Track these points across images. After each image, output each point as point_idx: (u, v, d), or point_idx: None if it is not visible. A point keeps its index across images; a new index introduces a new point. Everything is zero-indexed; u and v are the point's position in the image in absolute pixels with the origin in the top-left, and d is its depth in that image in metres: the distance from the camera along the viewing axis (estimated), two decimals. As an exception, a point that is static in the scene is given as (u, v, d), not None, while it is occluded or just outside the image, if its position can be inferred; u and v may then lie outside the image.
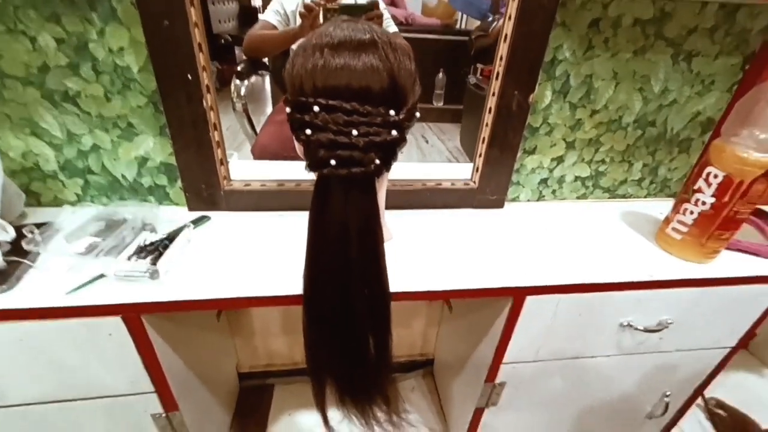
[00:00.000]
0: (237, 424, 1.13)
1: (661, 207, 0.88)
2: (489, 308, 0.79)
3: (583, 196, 0.99)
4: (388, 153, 0.47)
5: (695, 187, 0.71)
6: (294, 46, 0.76)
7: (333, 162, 0.45)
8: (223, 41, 0.83)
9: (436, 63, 0.97)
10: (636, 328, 0.76)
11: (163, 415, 0.72)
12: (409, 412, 1.18)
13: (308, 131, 0.45)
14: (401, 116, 0.46)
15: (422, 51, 0.98)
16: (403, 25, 0.92)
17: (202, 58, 0.66)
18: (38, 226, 0.68)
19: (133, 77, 0.69)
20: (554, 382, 0.85)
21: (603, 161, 0.93)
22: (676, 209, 0.75)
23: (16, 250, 0.62)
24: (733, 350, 0.87)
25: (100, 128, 0.73)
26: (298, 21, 0.75)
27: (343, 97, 0.43)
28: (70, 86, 0.68)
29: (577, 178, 0.95)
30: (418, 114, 0.51)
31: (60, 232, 0.70)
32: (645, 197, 1.02)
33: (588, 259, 0.73)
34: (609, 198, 1.01)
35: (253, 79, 0.94)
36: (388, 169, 0.49)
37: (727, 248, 0.75)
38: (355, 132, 0.44)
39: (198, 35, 0.63)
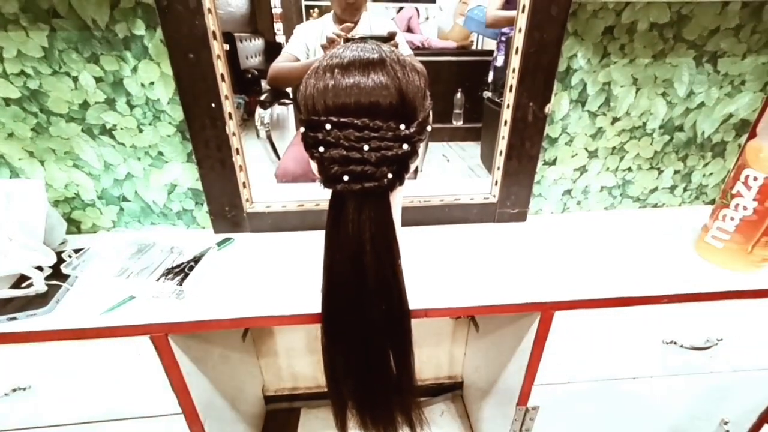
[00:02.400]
0: (263, 449, 1.12)
1: (699, 215, 0.83)
2: (516, 326, 0.75)
3: (612, 206, 0.95)
4: (400, 167, 0.47)
5: (734, 192, 0.66)
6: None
7: (346, 177, 0.46)
8: (249, 75, 0.88)
9: (454, 83, 0.98)
10: (681, 346, 0.70)
11: (189, 437, 0.72)
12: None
13: (321, 148, 0.46)
14: (412, 130, 0.46)
15: (440, 73, 1.01)
16: (419, 49, 0.95)
17: (225, 88, 0.69)
18: (76, 251, 0.72)
19: (162, 108, 0.74)
20: (593, 406, 0.79)
21: (629, 169, 0.90)
22: (714, 216, 0.71)
23: (56, 274, 0.66)
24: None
25: (134, 158, 0.78)
26: (320, 52, 0.78)
27: (354, 114, 0.44)
28: (107, 120, 0.74)
29: (603, 187, 0.92)
30: (429, 128, 0.51)
31: (96, 257, 0.74)
32: (679, 205, 0.97)
33: (621, 272, 0.69)
34: (640, 207, 0.96)
35: (277, 108, 0.99)
36: (401, 182, 0.49)
37: (777, 256, 0.69)
38: (366, 147, 0.44)
39: (221, 66, 0.68)
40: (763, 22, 0.75)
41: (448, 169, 1.02)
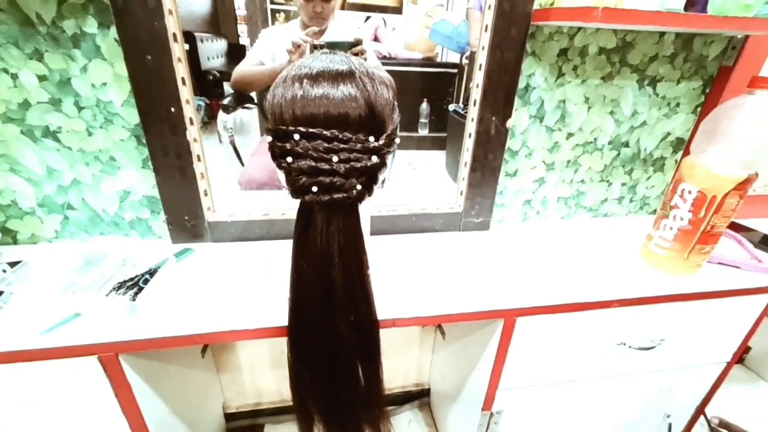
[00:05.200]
0: (222, 470, 1.06)
1: (643, 224, 0.90)
2: (481, 332, 0.77)
3: (567, 216, 1.01)
4: (369, 178, 0.47)
5: (672, 204, 0.73)
6: (276, 79, 0.78)
7: (315, 188, 0.45)
8: (211, 77, 0.85)
9: (420, 94, 1.00)
10: (630, 347, 0.76)
11: (141, 464, 0.67)
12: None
13: (289, 159, 0.45)
14: (381, 142, 0.47)
15: (406, 83, 1.03)
16: (386, 59, 0.96)
17: (185, 92, 0.67)
18: (12, 264, 0.65)
19: (115, 111, 0.69)
20: (554, 408, 0.83)
21: (583, 181, 0.96)
22: (656, 225, 0.77)
23: (-13, 290, 0.59)
24: (729, 365, 0.87)
25: (81, 163, 0.72)
26: (285, 57, 0.77)
27: (323, 125, 0.44)
28: (52, 122, 0.68)
29: (559, 198, 0.98)
30: (397, 140, 0.52)
31: (36, 271, 0.67)
32: (626, 215, 1.04)
33: (576, 278, 0.73)
34: (593, 217, 1.03)
35: (240, 112, 0.96)
36: (370, 194, 0.49)
37: (709, 262, 0.76)
38: (335, 158, 0.44)
39: (182, 70, 0.65)
40: (693, 51, 0.84)
41: (414, 177, 1.03)
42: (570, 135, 0.89)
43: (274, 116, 0.46)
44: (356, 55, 0.71)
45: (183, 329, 0.57)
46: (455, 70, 0.97)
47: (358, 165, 0.45)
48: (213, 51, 0.84)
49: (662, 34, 0.81)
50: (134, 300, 0.61)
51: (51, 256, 0.73)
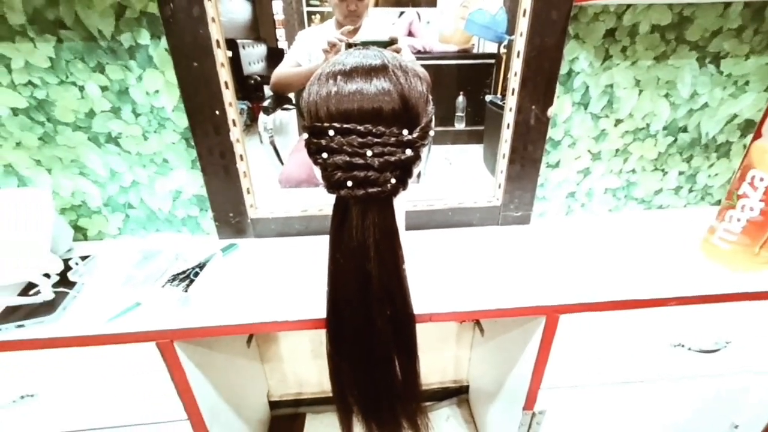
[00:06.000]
0: (268, 455, 1.11)
1: (704, 216, 0.82)
2: (522, 330, 0.75)
3: (616, 209, 0.95)
4: (404, 172, 0.47)
5: (740, 193, 0.66)
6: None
7: (350, 183, 0.46)
8: (252, 81, 0.88)
9: (456, 86, 0.99)
10: (689, 349, 0.70)
11: (195, 444, 0.72)
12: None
13: (324, 154, 0.46)
14: (415, 135, 0.46)
15: (441, 76, 1.01)
16: (421, 53, 0.95)
17: (228, 95, 0.70)
18: (83, 258, 0.72)
19: (167, 116, 0.74)
20: (600, 409, 0.79)
21: (633, 171, 0.90)
22: (720, 217, 0.70)
23: (63, 281, 0.66)
24: (807, 373, 0.78)
25: (139, 165, 0.79)
26: (322, 57, 0.79)
27: (357, 120, 0.44)
28: (113, 128, 0.74)
29: (607, 189, 0.92)
30: (432, 133, 0.51)
31: (102, 264, 0.74)
32: (685, 206, 0.96)
33: (626, 274, 0.69)
34: (645, 209, 0.95)
35: (280, 114, 1.00)
36: (404, 187, 0.49)
37: (785, 257, 0.68)
38: (369, 153, 0.45)
39: (225, 74, 0.68)
40: (765, 22, 0.75)
41: (450, 172, 1.02)
42: (618, 122, 0.83)
43: (310, 114, 0.47)
44: (392, 52, 0.71)
45: (230, 319, 0.61)
46: (492, 60, 0.94)
47: (392, 159, 0.45)
48: (254, 56, 0.87)
49: (727, 4, 0.73)
50: (186, 291, 0.65)
51: (114, 250, 0.80)
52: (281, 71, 0.85)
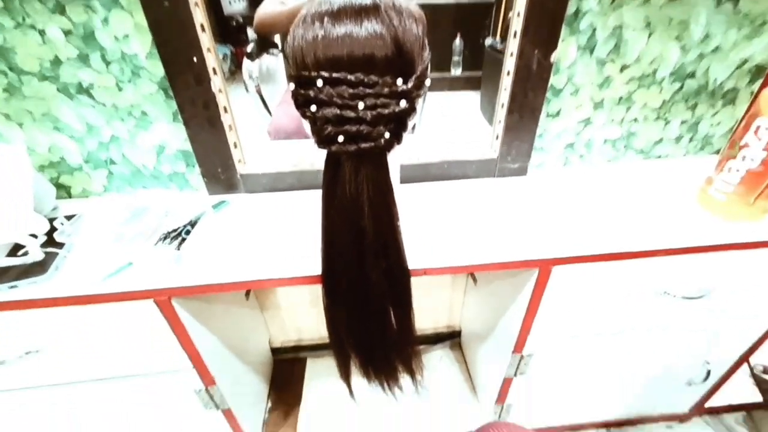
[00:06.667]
0: (274, 394, 1.20)
1: (703, 166, 0.81)
2: (515, 280, 0.77)
3: (614, 159, 0.93)
4: (398, 125, 0.45)
5: (742, 143, 0.64)
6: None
7: (341, 138, 0.43)
8: (234, 23, 0.81)
9: (452, 28, 0.91)
10: (674, 296, 0.72)
11: (203, 390, 0.76)
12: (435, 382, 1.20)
13: (313, 107, 0.43)
14: (410, 85, 0.43)
15: (437, 15, 0.93)
16: (415, -12, 0.86)
17: (206, 39, 0.64)
18: (68, 217, 0.71)
19: (141, 65, 0.68)
20: (587, 353, 0.83)
21: (635, 120, 0.87)
22: (719, 168, 0.69)
23: (51, 241, 0.65)
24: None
25: (117, 118, 0.74)
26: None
27: (347, 68, 0.41)
28: (83, 78, 0.69)
29: (606, 140, 0.89)
30: (428, 82, 0.48)
31: (89, 223, 0.73)
32: (684, 156, 0.94)
33: (621, 226, 0.69)
34: (644, 159, 0.94)
35: (266, 59, 0.92)
36: (399, 141, 0.47)
37: (778, 207, 0.68)
38: (361, 105, 0.42)
39: (200, 15, 0.62)
40: (794, -49, 0.68)
41: (446, 121, 0.98)
42: (624, 67, 0.79)
43: (296, 61, 0.43)
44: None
45: (225, 277, 0.61)
46: (492, 0, 0.86)
47: (386, 111, 0.43)
48: (234, -7, 0.79)
49: (755, -69, 0.66)
50: (179, 250, 0.64)
51: (101, 208, 0.78)
52: (264, 10, 0.77)
